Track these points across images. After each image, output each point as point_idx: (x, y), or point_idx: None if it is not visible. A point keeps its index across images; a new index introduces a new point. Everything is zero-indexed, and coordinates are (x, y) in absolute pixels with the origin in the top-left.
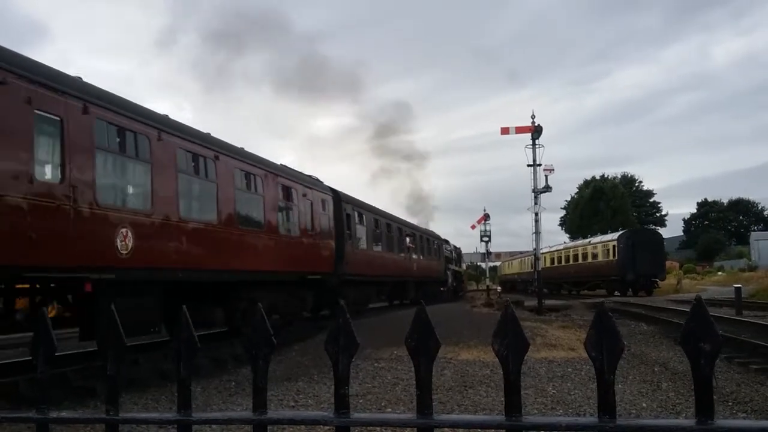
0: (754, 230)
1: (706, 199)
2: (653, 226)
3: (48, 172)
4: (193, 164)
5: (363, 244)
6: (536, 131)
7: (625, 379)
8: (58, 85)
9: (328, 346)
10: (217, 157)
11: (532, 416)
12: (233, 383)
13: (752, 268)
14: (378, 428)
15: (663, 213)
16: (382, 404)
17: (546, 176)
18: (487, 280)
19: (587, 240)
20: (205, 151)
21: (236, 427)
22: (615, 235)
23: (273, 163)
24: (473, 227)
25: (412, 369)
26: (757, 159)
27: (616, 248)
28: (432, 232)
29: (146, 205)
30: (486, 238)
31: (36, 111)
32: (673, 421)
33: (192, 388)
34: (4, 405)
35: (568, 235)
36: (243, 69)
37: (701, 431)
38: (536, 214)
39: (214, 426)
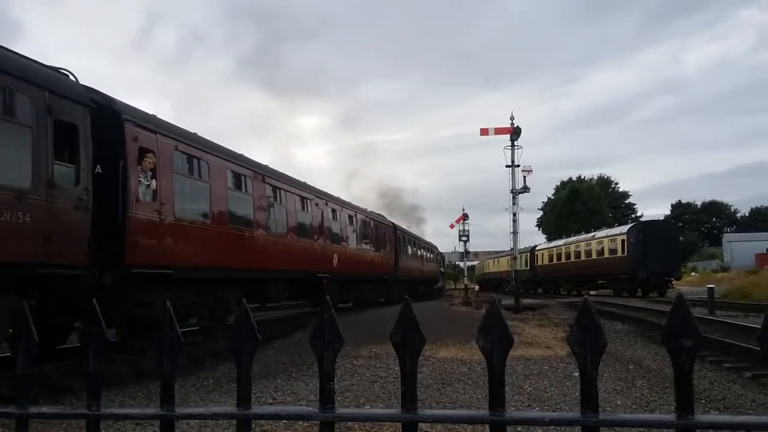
0: (727, 232)
1: (680, 200)
2: None
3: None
4: (350, 222)
5: (406, 256)
6: (515, 133)
7: (601, 376)
8: (317, 193)
9: (313, 341)
10: (356, 214)
11: (516, 411)
12: (211, 380)
13: (725, 269)
14: (358, 424)
15: (638, 214)
16: (361, 401)
17: (524, 177)
18: (465, 279)
19: (591, 234)
20: (350, 211)
21: (214, 423)
22: (624, 228)
23: (375, 213)
24: (452, 227)
25: (391, 367)
26: (730, 162)
27: (625, 243)
28: (431, 243)
29: (342, 243)
30: (465, 238)
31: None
32: (655, 416)
33: None
34: None
35: (545, 236)
36: (222, 65)
37: (682, 426)
38: (514, 215)
39: (191, 423)
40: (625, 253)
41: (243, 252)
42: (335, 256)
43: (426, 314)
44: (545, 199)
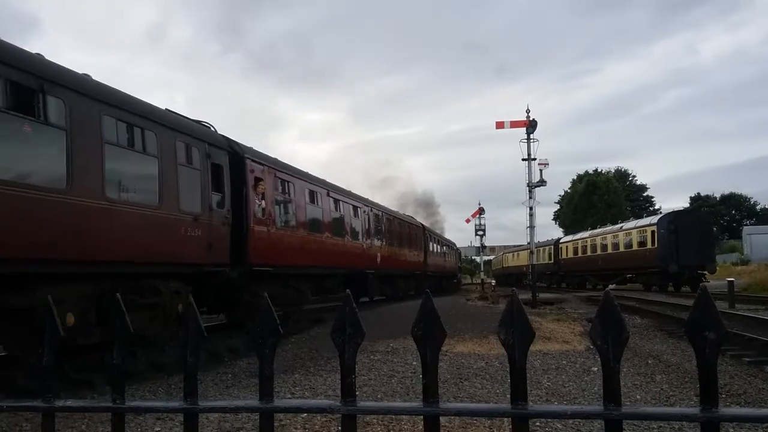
0: (747, 224)
1: (698, 193)
2: None
3: (364, 238)
4: (389, 224)
5: (432, 254)
6: (531, 125)
7: (619, 371)
8: (365, 201)
9: (334, 335)
10: (394, 217)
11: (538, 405)
12: (230, 375)
13: (745, 262)
14: (377, 419)
15: (656, 207)
16: (378, 396)
17: (540, 170)
18: (482, 273)
19: (619, 225)
20: (388, 215)
21: (234, 417)
22: (654, 219)
23: (407, 215)
24: (468, 221)
25: (408, 362)
26: (748, 154)
27: (655, 234)
28: (450, 240)
29: (383, 244)
30: (481, 232)
31: (363, 212)
32: (678, 410)
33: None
34: (2, 397)
35: (562, 230)
36: (235, 60)
37: (705, 419)
38: (531, 209)
39: (211, 417)
40: (655, 245)
41: (316, 253)
42: (378, 254)
43: (443, 309)
44: (561, 193)
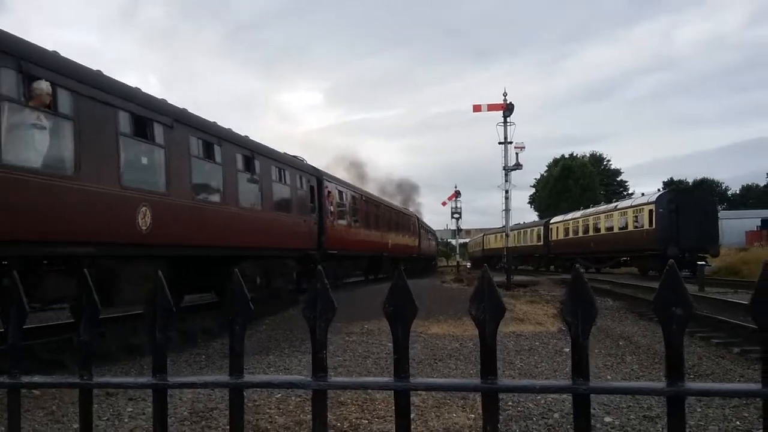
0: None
1: (672, 178)
2: None
3: (381, 229)
4: (396, 217)
5: (423, 240)
6: (508, 109)
7: (591, 351)
8: (383, 201)
9: (305, 311)
10: (398, 211)
11: (508, 380)
12: (203, 356)
13: None
14: (351, 399)
15: (630, 191)
16: (353, 376)
17: (517, 154)
18: (458, 256)
19: (613, 204)
20: (395, 209)
21: (207, 398)
22: (652, 197)
23: (405, 208)
24: (444, 204)
25: (383, 342)
26: (721, 140)
27: (654, 214)
28: (431, 227)
29: (392, 232)
30: (457, 215)
31: (382, 209)
32: (645, 384)
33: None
34: None
35: (537, 213)
36: (209, 41)
37: (671, 393)
38: (506, 192)
39: (184, 398)
40: (653, 226)
41: (356, 240)
42: (389, 241)
43: (419, 291)
44: (537, 176)
